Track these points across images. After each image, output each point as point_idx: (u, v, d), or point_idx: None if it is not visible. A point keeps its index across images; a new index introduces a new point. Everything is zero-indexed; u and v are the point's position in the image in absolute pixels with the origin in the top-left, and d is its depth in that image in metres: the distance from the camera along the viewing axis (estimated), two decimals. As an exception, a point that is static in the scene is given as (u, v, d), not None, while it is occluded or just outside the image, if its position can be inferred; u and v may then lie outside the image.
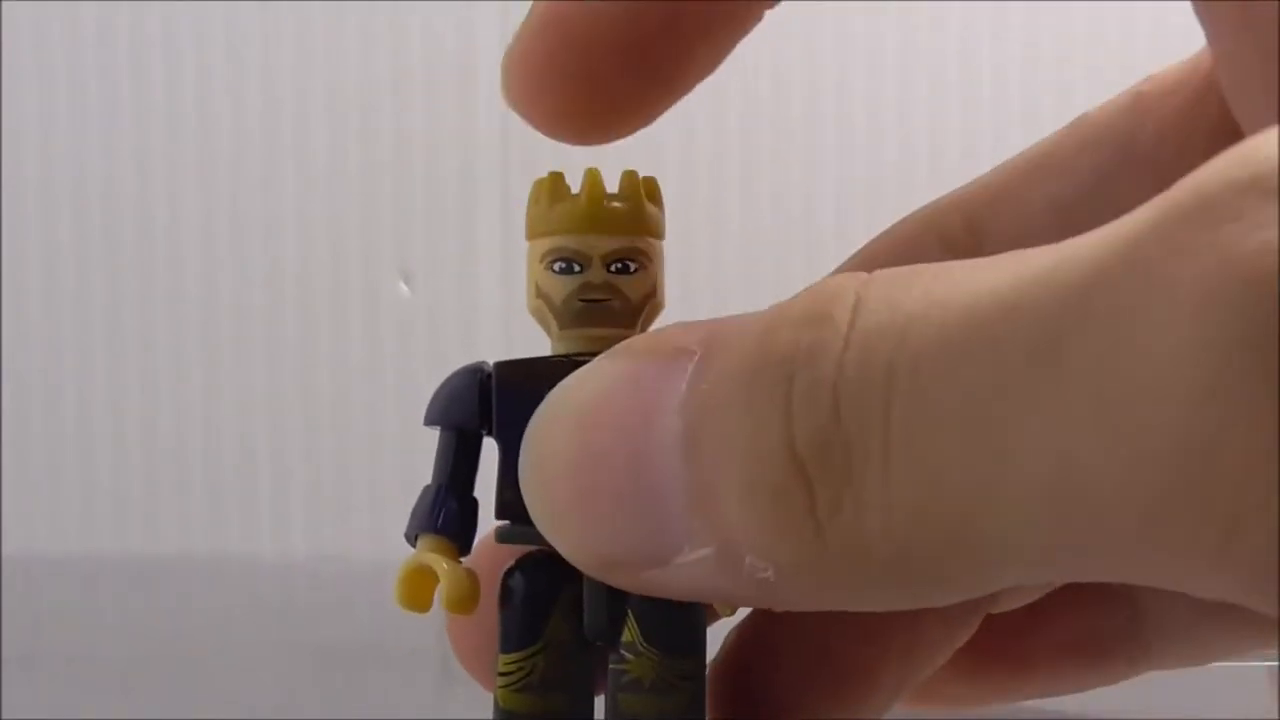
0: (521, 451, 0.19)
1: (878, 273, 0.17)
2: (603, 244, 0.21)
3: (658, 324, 0.22)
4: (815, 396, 0.16)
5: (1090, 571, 0.15)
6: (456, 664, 0.23)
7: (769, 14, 0.22)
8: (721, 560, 0.17)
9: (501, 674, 0.21)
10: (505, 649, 0.21)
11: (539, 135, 0.22)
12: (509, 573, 0.22)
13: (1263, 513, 0.13)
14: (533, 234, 0.22)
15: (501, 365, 0.22)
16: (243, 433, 0.69)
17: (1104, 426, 0.14)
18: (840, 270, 0.23)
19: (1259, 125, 0.15)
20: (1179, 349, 0.14)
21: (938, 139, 0.68)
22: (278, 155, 0.69)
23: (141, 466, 0.69)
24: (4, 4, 0.69)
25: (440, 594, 0.21)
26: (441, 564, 0.21)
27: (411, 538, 0.22)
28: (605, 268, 0.21)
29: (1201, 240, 0.14)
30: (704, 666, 0.21)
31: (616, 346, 0.19)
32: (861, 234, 0.25)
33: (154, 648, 0.56)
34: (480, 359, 0.22)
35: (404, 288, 0.67)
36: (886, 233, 0.24)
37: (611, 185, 0.22)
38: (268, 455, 0.69)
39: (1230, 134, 0.20)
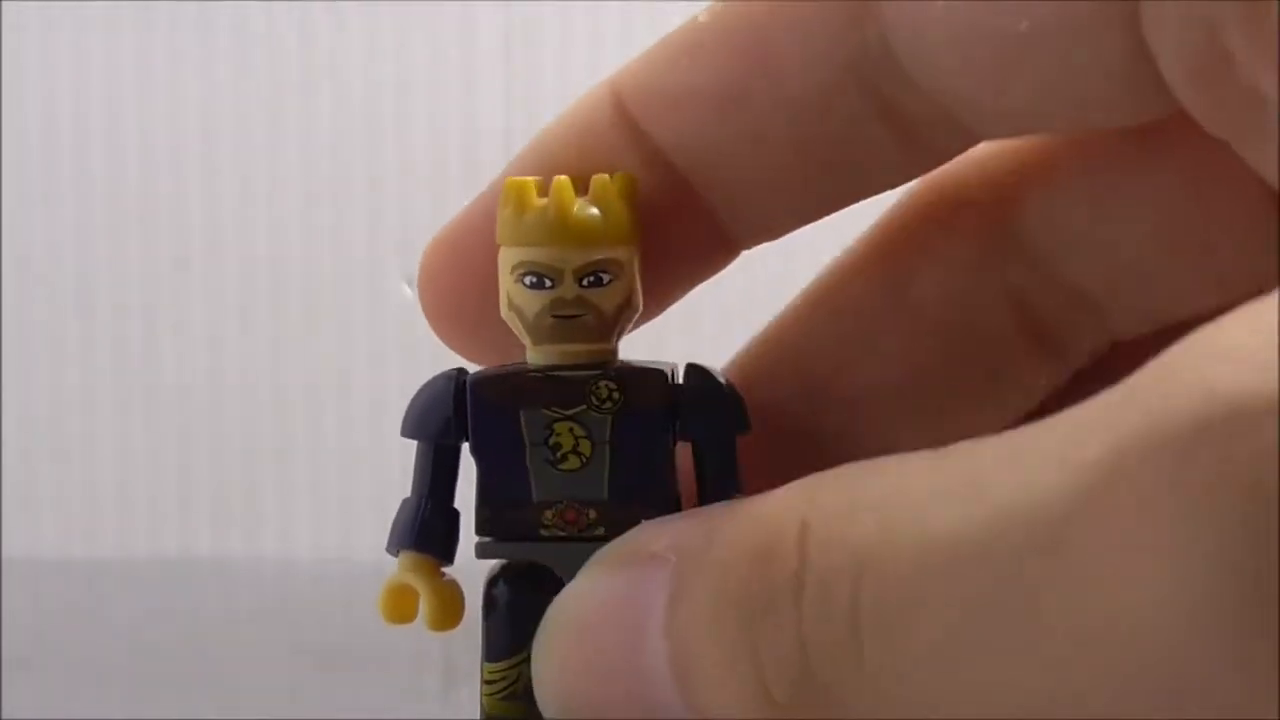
0: (534, 661, 0.20)
1: (818, 491, 0.17)
2: (574, 257, 0.20)
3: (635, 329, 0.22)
4: (780, 644, 0.16)
5: None
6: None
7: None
8: None
9: (487, 682, 0.21)
10: (491, 658, 0.21)
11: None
12: (492, 582, 0.22)
13: None
14: (502, 240, 0.21)
15: (476, 379, 0.21)
16: (246, 434, 0.69)
17: (1085, 665, 0.14)
18: None
19: None
20: (1158, 597, 0.13)
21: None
22: (281, 157, 0.69)
23: (145, 468, 0.69)
24: (4, 4, 0.69)
25: (422, 613, 0.21)
26: (423, 582, 0.21)
27: (393, 552, 0.22)
28: (577, 282, 0.20)
29: (1163, 481, 0.14)
30: None
31: (602, 553, 0.20)
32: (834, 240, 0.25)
33: (156, 649, 0.56)
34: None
35: (407, 290, 0.67)
36: (910, 205, 0.24)
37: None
38: (271, 457, 0.69)
39: None
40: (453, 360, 0.23)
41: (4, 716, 0.46)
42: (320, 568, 0.68)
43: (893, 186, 0.22)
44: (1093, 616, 0.14)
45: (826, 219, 0.22)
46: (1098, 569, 0.14)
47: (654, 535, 0.19)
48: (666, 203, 0.22)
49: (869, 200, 0.23)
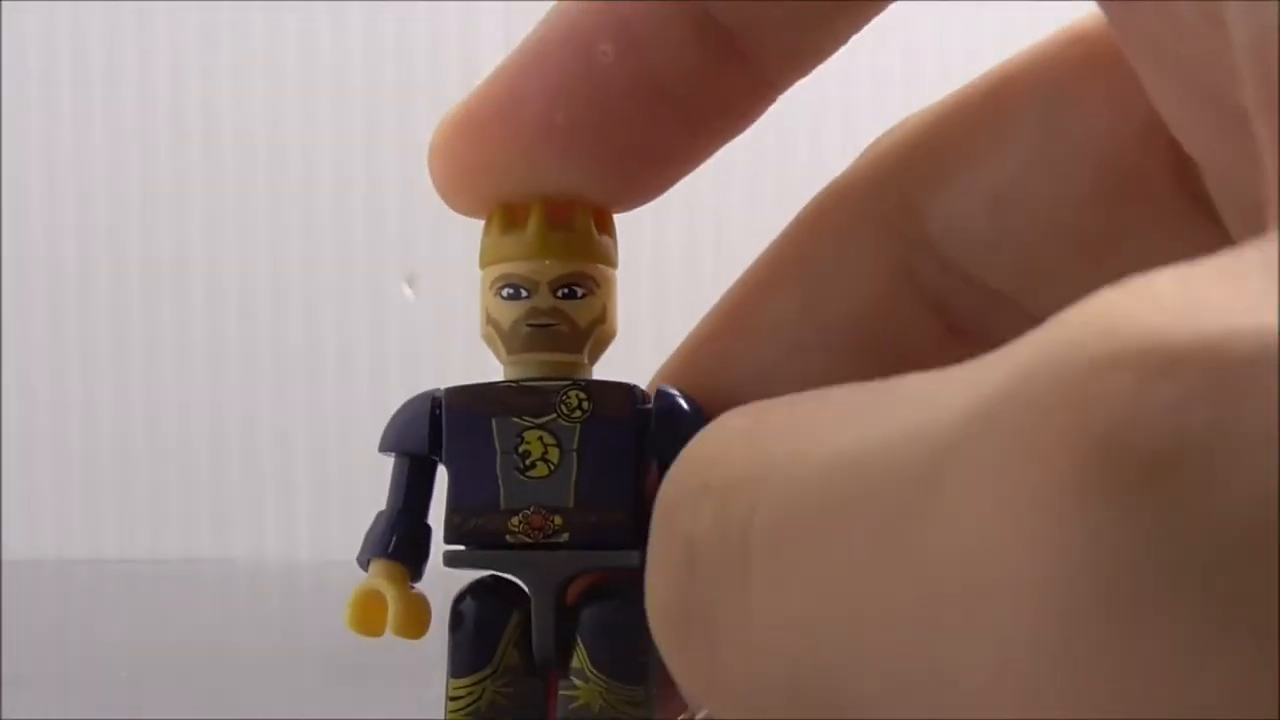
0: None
1: (750, 419, 0.16)
2: (550, 269, 0.21)
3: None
4: (674, 559, 0.16)
5: None
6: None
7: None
8: None
9: (451, 699, 0.22)
10: (455, 674, 0.22)
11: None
12: (459, 598, 0.22)
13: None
14: (484, 263, 0.22)
15: (451, 392, 0.22)
16: (247, 436, 0.69)
17: (944, 628, 0.13)
18: (789, 227, 0.23)
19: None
20: (1012, 581, 0.12)
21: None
22: (283, 159, 0.69)
23: (146, 470, 0.70)
24: (4, 4, 0.69)
25: (389, 618, 0.22)
26: (392, 590, 0.22)
27: (364, 563, 0.22)
28: (552, 293, 0.21)
29: (1026, 442, 0.12)
30: (652, 697, 0.21)
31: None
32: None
33: (157, 652, 0.56)
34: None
35: (407, 290, 0.67)
36: (817, 213, 0.23)
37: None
38: (272, 458, 0.69)
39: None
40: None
41: (4, 718, 0.46)
42: (322, 570, 0.68)
43: None
44: (954, 577, 0.13)
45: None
46: (964, 526, 0.13)
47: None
48: None
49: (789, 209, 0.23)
